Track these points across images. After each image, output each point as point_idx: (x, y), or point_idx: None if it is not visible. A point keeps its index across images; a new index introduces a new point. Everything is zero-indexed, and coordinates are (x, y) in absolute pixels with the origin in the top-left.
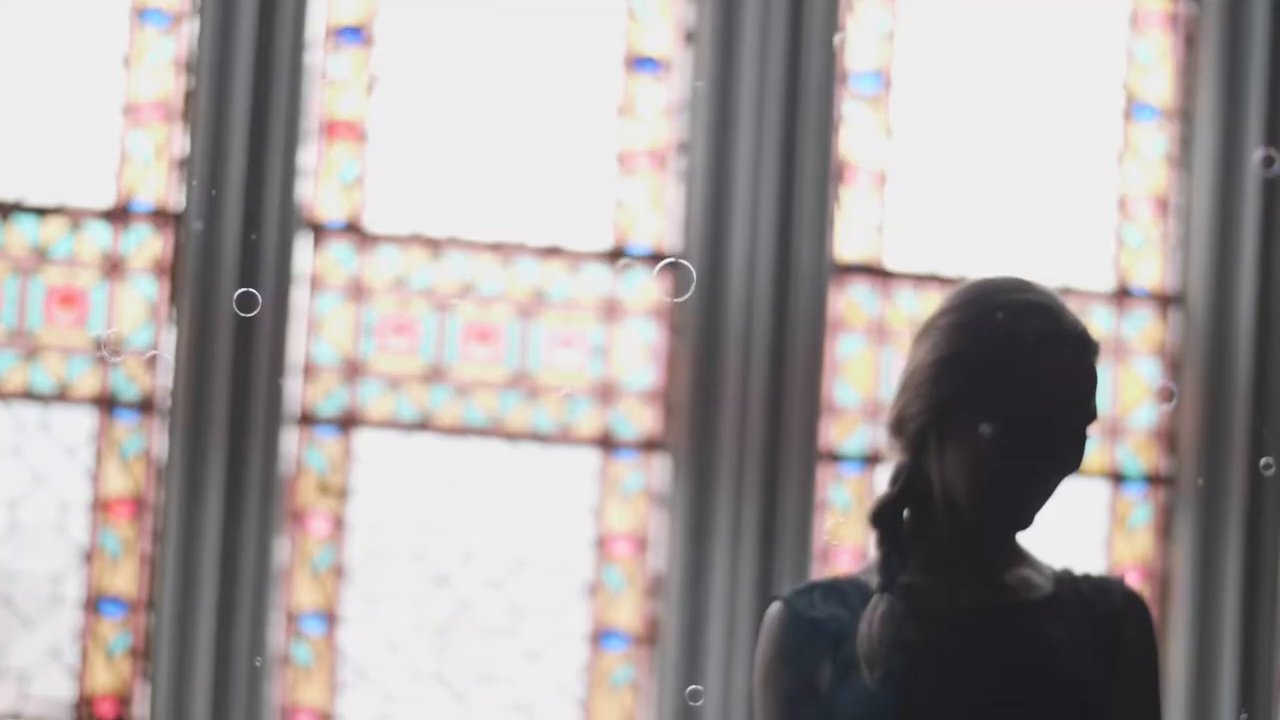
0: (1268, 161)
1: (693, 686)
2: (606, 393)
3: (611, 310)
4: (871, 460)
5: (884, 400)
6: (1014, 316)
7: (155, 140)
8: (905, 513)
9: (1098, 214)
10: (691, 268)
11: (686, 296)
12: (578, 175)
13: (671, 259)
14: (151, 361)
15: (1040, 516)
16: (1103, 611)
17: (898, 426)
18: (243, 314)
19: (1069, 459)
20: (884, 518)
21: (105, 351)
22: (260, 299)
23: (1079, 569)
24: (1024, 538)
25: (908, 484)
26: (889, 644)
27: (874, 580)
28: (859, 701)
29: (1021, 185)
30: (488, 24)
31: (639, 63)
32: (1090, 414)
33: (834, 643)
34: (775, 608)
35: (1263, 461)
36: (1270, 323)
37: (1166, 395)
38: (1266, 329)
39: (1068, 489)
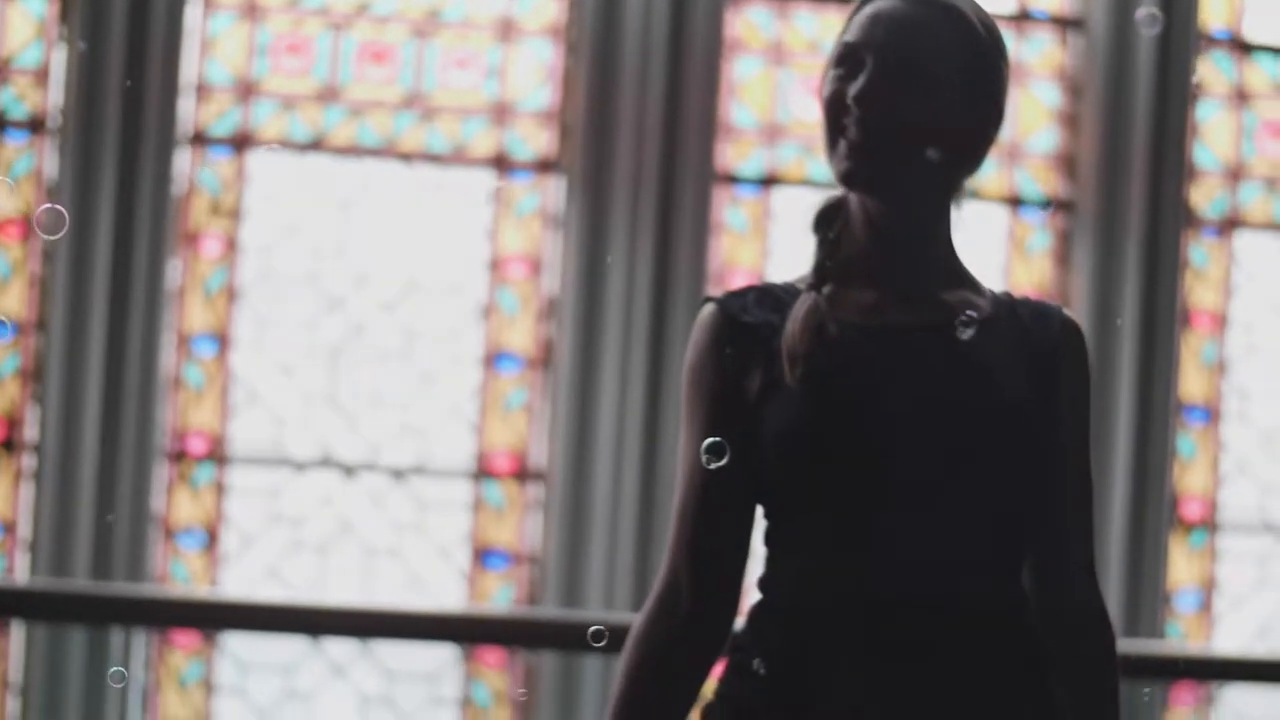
0: (1150, 21)
1: (595, 628)
2: (502, 113)
3: (507, 30)
4: (768, 182)
5: (781, 123)
6: None
7: None
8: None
9: None
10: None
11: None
12: None
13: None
14: (41, 81)
15: (875, 172)
16: (1040, 338)
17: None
18: (47, 236)
19: (884, 98)
20: (822, 221)
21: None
22: (66, 218)
23: (1018, 293)
24: (964, 257)
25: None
26: (811, 340)
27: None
28: (785, 411)
29: None
30: None
31: None
32: (914, 59)
33: (765, 351)
34: (708, 309)
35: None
36: (1169, 46)
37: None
38: (1165, 52)
39: (967, 214)
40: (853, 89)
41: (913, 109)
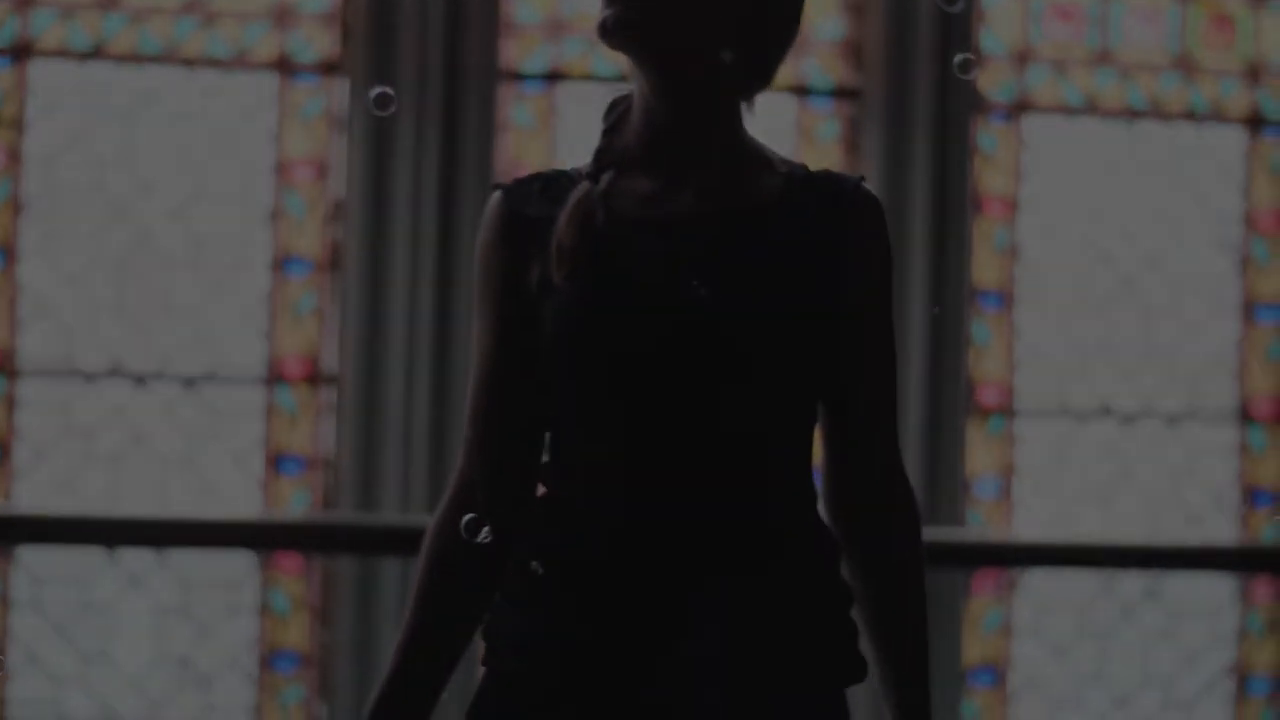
0: (965, 66)
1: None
2: (283, 16)
3: None
4: (553, 78)
5: (564, 17)
6: None
7: None
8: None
9: None
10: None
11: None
12: None
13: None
14: None
15: (629, 16)
16: (833, 214)
17: None
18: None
19: None
20: (612, 110)
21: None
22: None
23: (815, 166)
24: (759, 136)
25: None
26: (577, 234)
27: None
28: (555, 308)
29: None
30: None
31: None
32: None
33: (544, 245)
34: (494, 198)
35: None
36: None
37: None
38: None
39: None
40: None
41: None
